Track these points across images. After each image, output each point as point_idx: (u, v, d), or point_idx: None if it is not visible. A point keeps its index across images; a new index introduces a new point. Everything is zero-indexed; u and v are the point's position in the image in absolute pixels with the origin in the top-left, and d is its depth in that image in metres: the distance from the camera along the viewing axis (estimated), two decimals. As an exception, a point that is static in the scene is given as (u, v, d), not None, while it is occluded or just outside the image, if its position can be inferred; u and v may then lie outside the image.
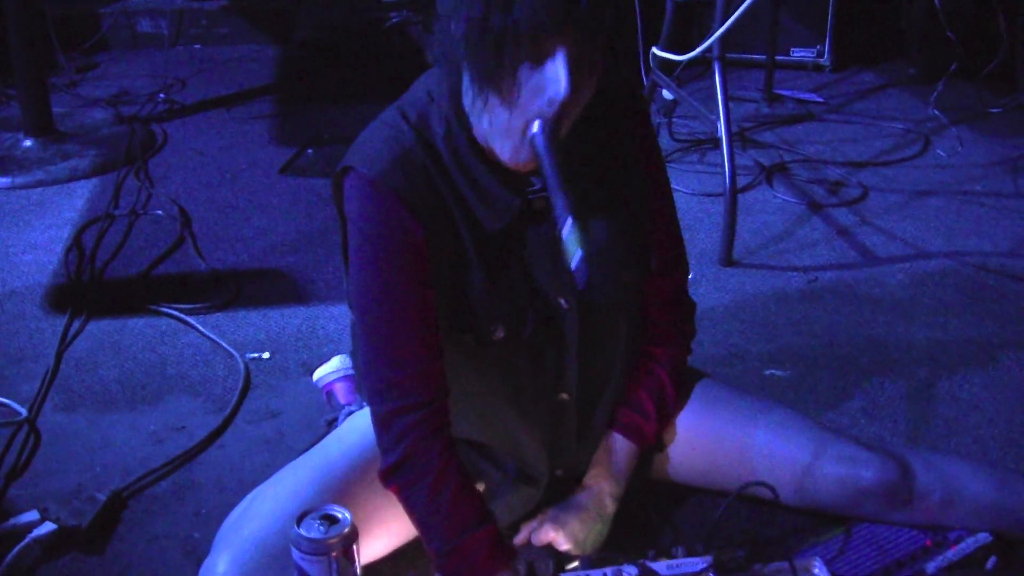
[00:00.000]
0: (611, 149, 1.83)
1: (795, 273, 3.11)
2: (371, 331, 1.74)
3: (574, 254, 1.53)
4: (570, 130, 1.66)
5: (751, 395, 2.11)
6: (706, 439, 2.03)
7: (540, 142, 1.58)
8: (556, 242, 1.58)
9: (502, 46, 1.52)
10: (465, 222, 1.73)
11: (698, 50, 3.22)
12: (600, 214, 1.82)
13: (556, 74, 1.54)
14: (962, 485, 1.94)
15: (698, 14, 4.67)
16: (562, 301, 1.81)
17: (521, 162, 1.65)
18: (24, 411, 2.48)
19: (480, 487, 1.91)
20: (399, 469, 1.75)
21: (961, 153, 3.96)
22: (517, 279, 1.77)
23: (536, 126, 1.58)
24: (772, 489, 1.92)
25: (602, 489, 1.94)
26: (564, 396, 1.91)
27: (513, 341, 1.80)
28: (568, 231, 1.54)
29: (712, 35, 3.18)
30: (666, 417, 2.02)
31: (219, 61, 5.37)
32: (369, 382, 1.78)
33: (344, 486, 1.86)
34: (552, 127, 1.58)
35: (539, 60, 1.54)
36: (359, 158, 1.71)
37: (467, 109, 1.67)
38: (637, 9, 4.35)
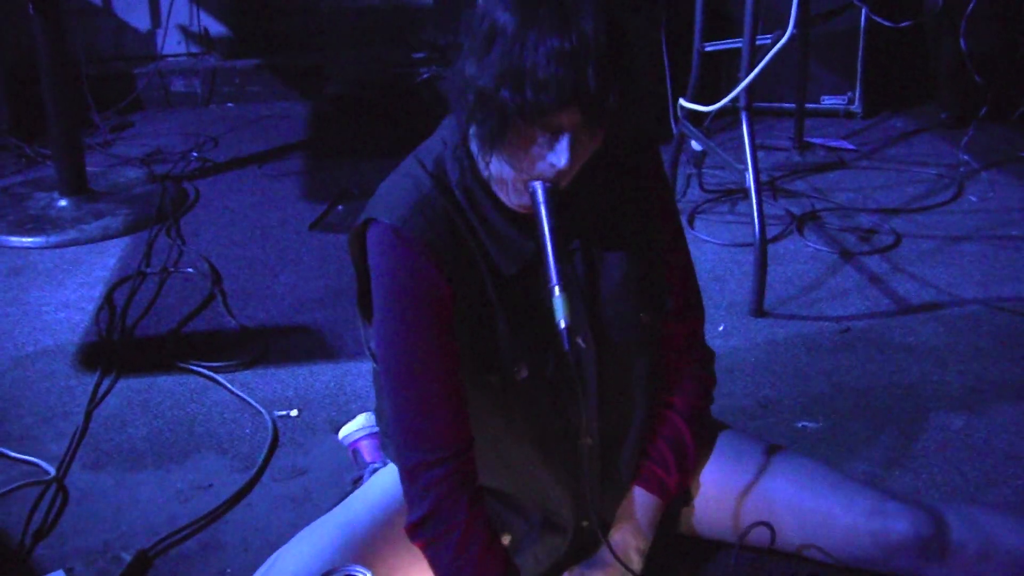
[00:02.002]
0: (626, 191, 1.85)
1: (827, 323, 3.08)
2: (397, 383, 1.74)
3: (560, 319, 1.61)
4: (587, 170, 1.70)
5: (777, 447, 2.08)
6: (731, 493, 2.00)
7: (539, 200, 1.64)
8: (570, 282, 1.69)
9: (508, 119, 1.56)
10: (486, 263, 1.75)
11: (724, 101, 3.21)
12: (616, 253, 1.83)
13: (557, 146, 1.59)
14: (999, 538, 1.89)
15: (726, 63, 4.67)
16: (579, 340, 1.80)
17: (524, 206, 1.69)
18: (52, 470, 2.49)
19: (506, 539, 1.91)
20: (426, 523, 1.74)
21: (993, 197, 3.92)
22: (537, 318, 1.77)
23: (537, 185, 1.63)
24: (771, 528, 1.91)
25: (628, 544, 1.92)
26: (588, 440, 1.89)
27: (536, 381, 1.80)
28: (556, 299, 1.62)
29: (739, 86, 3.17)
30: (687, 468, 1.99)
31: (251, 119, 5.43)
32: (395, 434, 1.77)
33: (367, 544, 1.85)
34: (552, 187, 1.64)
35: (543, 131, 1.59)
36: (380, 209, 1.72)
37: (475, 153, 1.71)
38: (665, 60, 4.37)
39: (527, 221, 1.73)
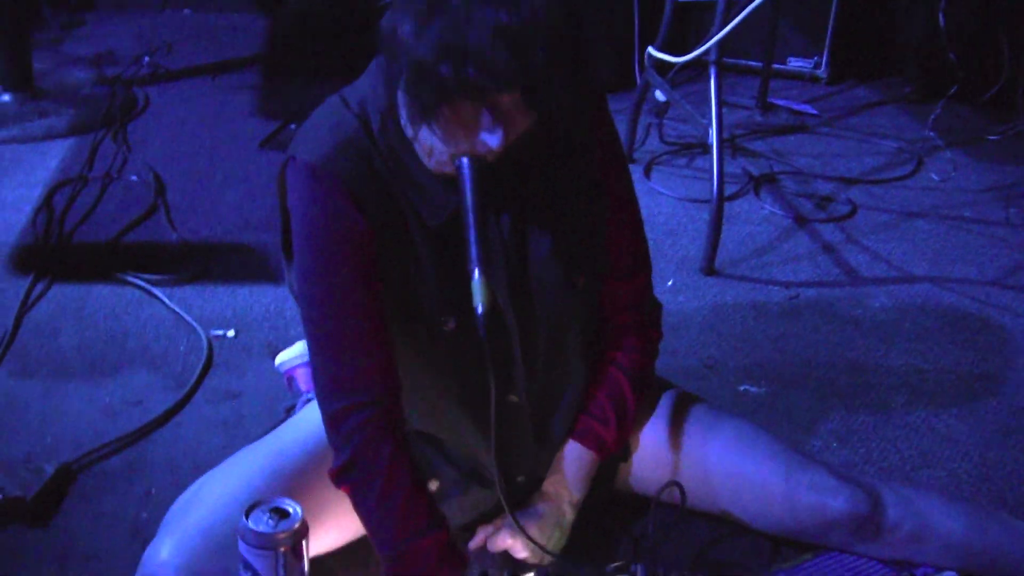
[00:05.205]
0: (567, 148, 1.78)
1: (776, 287, 3.06)
2: (316, 325, 1.71)
3: (477, 304, 1.57)
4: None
5: (722, 412, 2.06)
6: (670, 453, 1.98)
7: (466, 174, 1.58)
8: (494, 241, 1.70)
9: (445, 95, 1.48)
10: (411, 211, 1.69)
11: (695, 52, 3.16)
12: (551, 214, 1.77)
13: (491, 125, 1.53)
14: (932, 521, 1.90)
15: (696, 16, 4.61)
16: (499, 298, 1.75)
17: (444, 172, 1.63)
18: (-23, 375, 2.42)
19: (433, 485, 1.87)
20: (349, 470, 1.70)
21: (954, 177, 3.92)
22: (465, 270, 1.72)
23: (464, 161, 1.58)
24: (681, 489, 1.88)
25: (560, 496, 1.90)
26: (513, 398, 1.85)
27: (464, 333, 1.75)
28: (475, 283, 1.58)
29: (711, 38, 3.12)
30: (627, 424, 1.96)
31: (208, 28, 5.28)
32: (317, 379, 1.73)
33: (296, 476, 1.81)
34: (480, 163, 1.58)
35: (478, 107, 1.52)
36: (300, 147, 1.67)
37: (400, 113, 1.63)
38: (635, 7, 4.30)
39: (451, 176, 1.67)
